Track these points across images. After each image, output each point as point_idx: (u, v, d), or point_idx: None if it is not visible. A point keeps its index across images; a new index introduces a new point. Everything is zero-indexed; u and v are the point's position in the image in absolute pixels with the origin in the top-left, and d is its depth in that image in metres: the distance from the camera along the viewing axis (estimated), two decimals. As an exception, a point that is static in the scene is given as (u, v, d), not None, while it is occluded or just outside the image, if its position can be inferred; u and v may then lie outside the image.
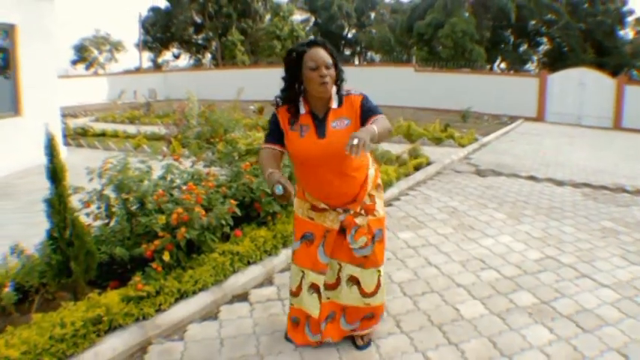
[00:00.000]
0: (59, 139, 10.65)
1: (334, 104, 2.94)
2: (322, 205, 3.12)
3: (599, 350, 3.48)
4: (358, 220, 3.12)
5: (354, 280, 3.26)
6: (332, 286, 3.30)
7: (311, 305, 3.25)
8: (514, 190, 8.42)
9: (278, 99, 3.04)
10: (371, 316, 3.39)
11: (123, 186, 4.26)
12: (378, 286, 3.29)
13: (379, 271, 3.26)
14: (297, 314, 3.38)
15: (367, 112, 2.89)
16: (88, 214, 4.28)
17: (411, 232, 5.94)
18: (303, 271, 3.25)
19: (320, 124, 2.93)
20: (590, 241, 5.81)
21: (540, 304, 4.16)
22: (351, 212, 3.11)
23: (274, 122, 3.06)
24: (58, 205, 3.45)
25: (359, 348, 3.40)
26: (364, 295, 3.28)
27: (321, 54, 2.82)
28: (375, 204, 3.21)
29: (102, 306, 3.34)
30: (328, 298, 3.31)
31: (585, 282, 4.64)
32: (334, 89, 2.94)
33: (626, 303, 4.23)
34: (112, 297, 3.46)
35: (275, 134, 3.04)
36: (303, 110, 2.97)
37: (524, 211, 7.05)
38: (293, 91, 2.96)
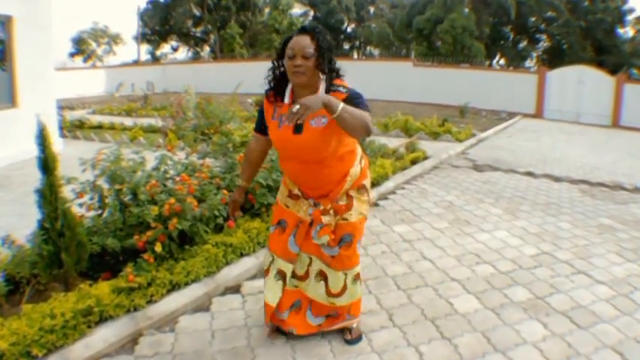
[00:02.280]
0: (55, 131, 10.64)
1: None
2: (296, 192, 3.06)
3: (594, 347, 3.45)
4: (324, 219, 2.96)
5: (322, 275, 3.17)
6: (301, 278, 3.22)
7: (272, 291, 3.20)
8: (511, 185, 8.39)
9: (267, 86, 2.97)
10: (335, 315, 3.31)
11: (116, 177, 4.22)
12: (344, 288, 3.16)
13: (345, 274, 3.13)
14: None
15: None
16: (81, 205, 4.24)
17: (406, 225, 5.90)
18: (272, 256, 3.19)
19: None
20: (587, 237, 5.78)
21: (535, 299, 4.13)
22: (320, 207, 2.98)
23: (260, 110, 3.05)
24: (49, 196, 3.41)
25: (348, 343, 3.35)
26: (329, 294, 3.18)
27: (302, 43, 2.68)
28: (350, 206, 3.06)
29: (92, 297, 3.31)
30: (296, 287, 3.25)
31: (581, 278, 4.62)
32: (323, 85, 2.78)
33: (622, 300, 4.20)
34: (103, 288, 3.43)
35: (259, 122, 3.07)
36: (287, 100, 2.85)
37: (521, 206, 7.02)
38: (279, 79, 2.89)
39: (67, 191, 4.06)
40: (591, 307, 4.05)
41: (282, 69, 2.86)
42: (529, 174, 9.49)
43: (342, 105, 2.47)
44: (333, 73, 2.82)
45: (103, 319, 3.32)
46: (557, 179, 9.12)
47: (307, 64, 2.67)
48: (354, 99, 2.73)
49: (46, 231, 3.46)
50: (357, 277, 3.21)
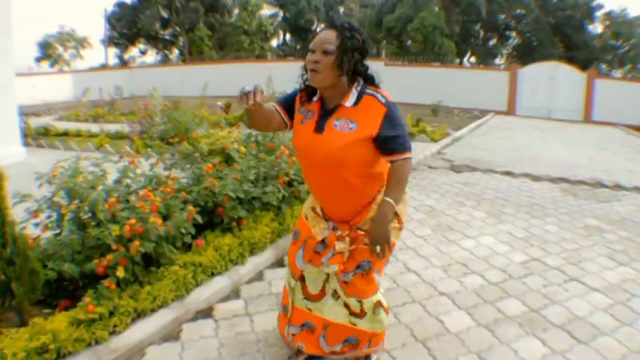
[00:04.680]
0: (17, 140, 10.15)
1: (348, 102, 2.48)
2: (318, 210, 2.77)
3: (598, 364, 3.21)
4: (338, 245, 2.62)
5: (339, 296, 2.80)
6: (316, 297, 2.83)
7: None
8: (491, 186, 8.16)
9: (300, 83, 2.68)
10: (355, 341, 2.84)
11: (73, 193, 3.85)
12: (362, 312, 2.75)
13: (360, 302, 2.73)
14: (286, 302, 3.04)
15: (385, 144, 2.43)
16: (37, 225, 3.87)
17: (387, 234, 5.59)
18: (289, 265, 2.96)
19: (323, 117, 2.52)
20: (575, 240, 5.56)
21: (530, 312, 3.86)
22: (338, 232, 2.65)
23: (292, 93, 2.75)
24: (-5, 219, 3.05)
25: None
26: (351, 313, 2.77)
27: (324, 37, 2.41)
28: None
29: (48, 332, 2.94)
30: (309, 309, 2.86)
31: (574, 286, 4.38)
32: (354, 91, 2.49)
33: (619, 308, 3.98)
34: (60, 321, 3.05)
35: (286, 100, 2.75)
36: (316, 97, 2.61)
37: (504, 209, 6.78)
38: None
39: (22, 210, 3.73)
40: (589, 318, 3.80)
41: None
42: (508, 173, 9.28)
43: (393, 203, 2.44)
44: (363, 76, 2.54)
45: (61, 356, 2.95)
46: (536, 178, 8.93)
47: (326, 61, 2.38)
48: (391, 127, 2.42)
49: (-7, 259, 3.10)
50: (378, 305, 2.78)
